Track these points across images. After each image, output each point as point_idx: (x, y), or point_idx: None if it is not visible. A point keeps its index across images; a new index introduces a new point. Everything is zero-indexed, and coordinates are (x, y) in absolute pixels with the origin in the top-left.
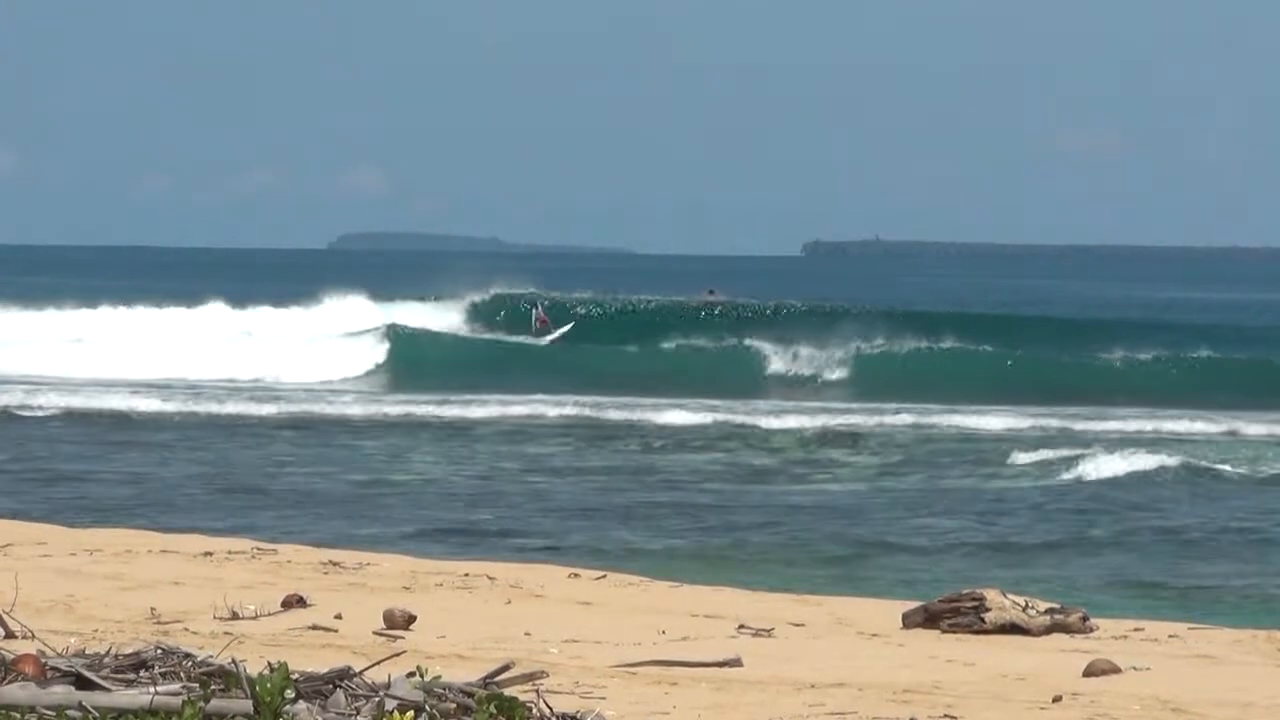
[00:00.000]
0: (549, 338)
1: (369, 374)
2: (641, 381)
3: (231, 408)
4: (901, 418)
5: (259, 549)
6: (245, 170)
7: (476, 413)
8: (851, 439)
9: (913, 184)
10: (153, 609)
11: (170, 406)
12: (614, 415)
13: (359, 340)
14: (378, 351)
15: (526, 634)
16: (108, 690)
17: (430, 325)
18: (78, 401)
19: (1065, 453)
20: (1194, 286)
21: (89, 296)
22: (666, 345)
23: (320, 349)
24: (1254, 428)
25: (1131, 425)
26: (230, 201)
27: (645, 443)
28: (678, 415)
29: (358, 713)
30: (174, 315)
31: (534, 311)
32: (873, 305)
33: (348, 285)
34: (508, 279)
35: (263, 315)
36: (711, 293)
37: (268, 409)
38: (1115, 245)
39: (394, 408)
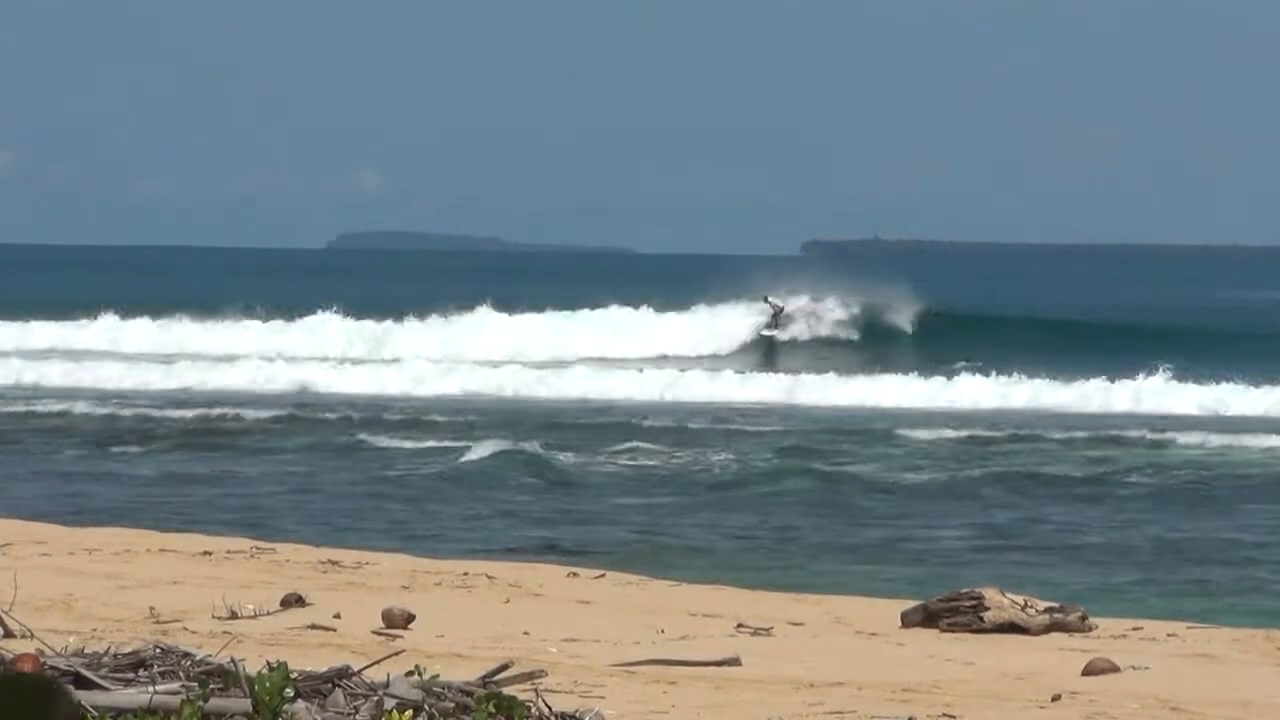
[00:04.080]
0: (779, 331)
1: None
2: None
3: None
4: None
5: (258, 548)
6: (244, 170)
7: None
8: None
9: (913, 184)
10: (152, 608)
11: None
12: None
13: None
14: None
15: (525, 633)
16: (106, 689)
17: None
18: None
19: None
20: (1188, 285)
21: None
22: None
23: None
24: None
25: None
26: (228, 201)
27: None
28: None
29: (356, 712)
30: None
31: (769, 306)
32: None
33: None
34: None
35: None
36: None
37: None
38: (1115, 245)
39: None
